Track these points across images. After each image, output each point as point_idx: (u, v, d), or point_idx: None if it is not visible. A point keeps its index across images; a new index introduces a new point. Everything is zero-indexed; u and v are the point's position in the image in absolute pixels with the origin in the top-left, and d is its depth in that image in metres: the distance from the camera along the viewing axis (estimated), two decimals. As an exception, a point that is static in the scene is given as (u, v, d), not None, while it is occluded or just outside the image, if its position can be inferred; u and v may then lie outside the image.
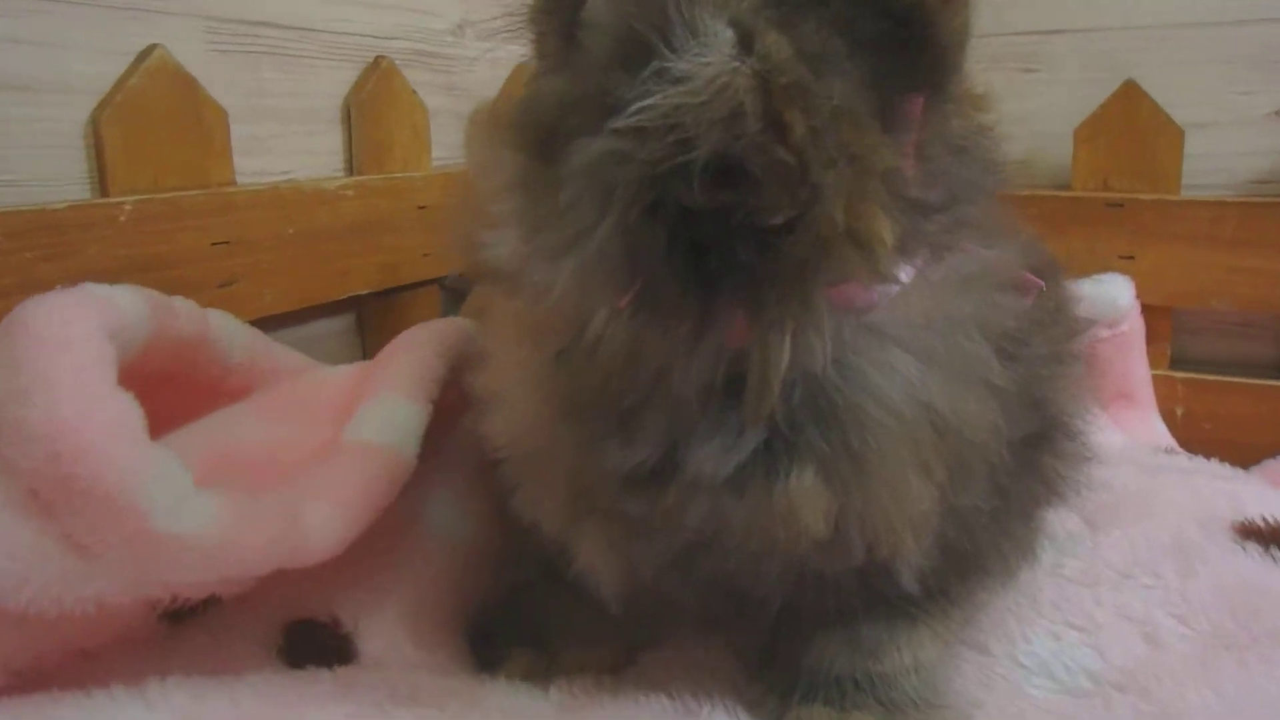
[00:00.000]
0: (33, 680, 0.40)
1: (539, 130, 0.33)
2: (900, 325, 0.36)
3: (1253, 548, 0.51)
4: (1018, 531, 0.45)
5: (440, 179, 0.92)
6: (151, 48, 0.66)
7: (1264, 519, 0.54)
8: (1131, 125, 0.85)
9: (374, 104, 0.85)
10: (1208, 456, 0.77)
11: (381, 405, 0.50)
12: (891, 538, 0.36)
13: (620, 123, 0.29)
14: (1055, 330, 0.45)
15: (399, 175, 0.87)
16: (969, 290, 0.38)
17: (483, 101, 1.02)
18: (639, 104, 0.29)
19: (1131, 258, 0.86)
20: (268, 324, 0.76)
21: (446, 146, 0.97)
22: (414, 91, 0.90)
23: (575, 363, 0.35)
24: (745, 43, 0.30)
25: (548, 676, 0.47)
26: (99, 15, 0.63)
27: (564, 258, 0.31)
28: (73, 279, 0.59)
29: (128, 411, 0.37)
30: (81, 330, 0.38)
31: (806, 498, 0.34)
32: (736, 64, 0.29)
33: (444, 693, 0.43)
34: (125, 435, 0.36)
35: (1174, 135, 0.84)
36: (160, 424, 0.49)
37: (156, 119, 0.66)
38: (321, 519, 0.41)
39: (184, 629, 0.45)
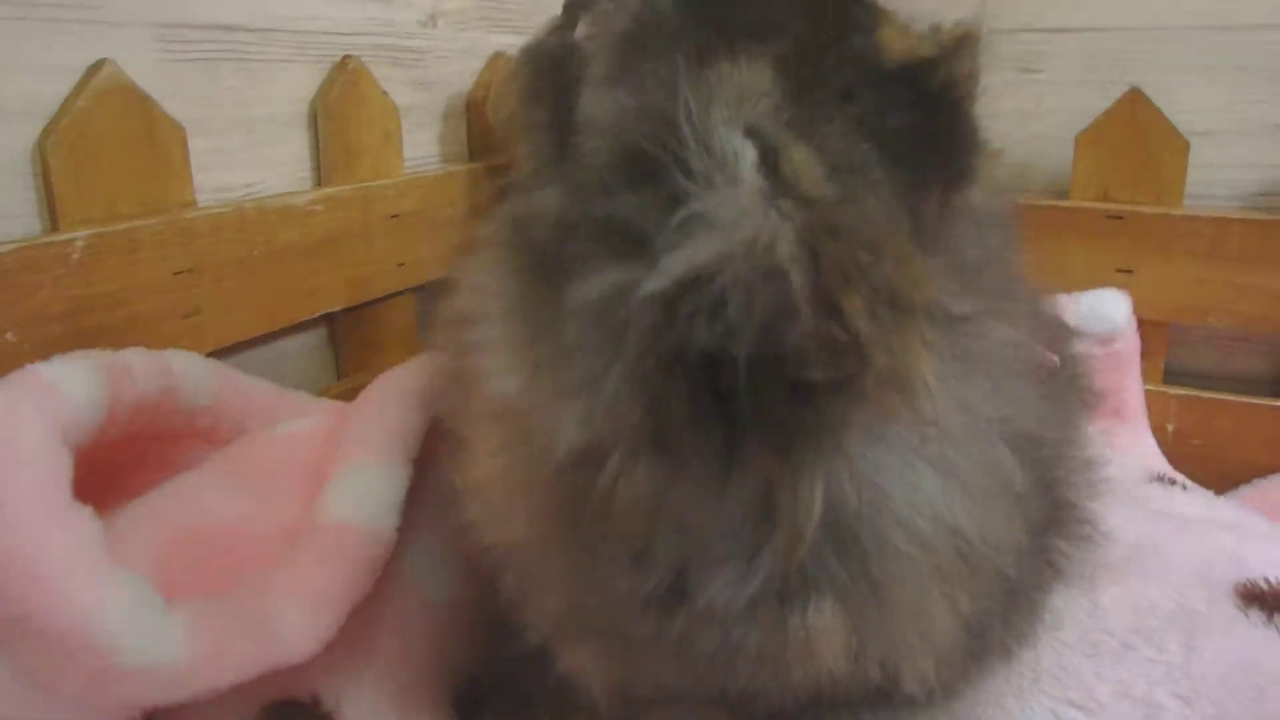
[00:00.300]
0: None
1: (535, 253, 0.30)
2: (921, 436, 0.34)
3: (1256, 616, 0.51)
4: (1021, 620, 0.44)
5: (413, 184, 0.88)
6: (100, 63, 0.62)
7: (1266, 581, 0.53)
8: (1135, 135, 0.83)
9: (342, 108, 0.81)
10: (1196, 475, 0.77)
11: (355, 474, 0.48)
12: (914, 670, 0.34)
13: (648, 288, 0.26)
14: (1068, 408, 0.44)
15: (370, 184, 0.83)
16: (990, 384, 0.36)
17: (454, 96, 0.98)
18: (662, 260, 0.26)
19: (1130, 271, 0.84)
20: (235, 348, 0.73)
21: (419, 146, 0.93)
22: (384, 93, 0.86)
23: (588, 505, 0.32)
24: (769, 161, 0.28)
25: None
26: (37, 29, 0.59)
27: (571, 400, 0.29)
28: (21, 326, 0.57)
29: (85, 535, 0.35)
30: (30, 441, 0.36)
31: (825, 632, 0.32)
32: (769, 209, 0.27)
33: None
34: (82, 565, 0.34)
35: (1178, 147, 0.82)
36: (126, 474, 0.47)
37: (108, 142, 0.62)
38: (298, 622, 0.40)
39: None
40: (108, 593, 0.34)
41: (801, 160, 0.27)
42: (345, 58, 0.81)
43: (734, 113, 0.29)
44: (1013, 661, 0.48)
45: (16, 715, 0.34)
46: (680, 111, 0.28)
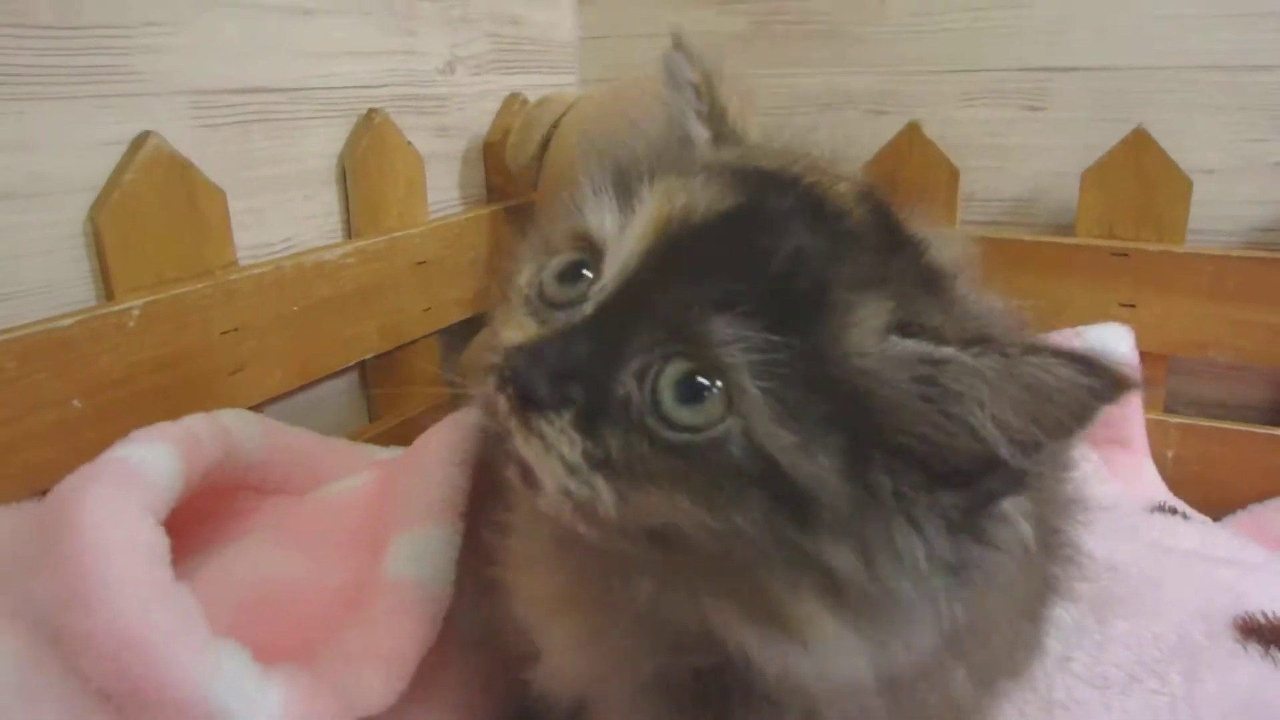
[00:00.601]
0: None
1: None
2: None
3: (1254, 649, 0.56)
4: (1026, 633, 0.49)
5: (436, 231, 0.93)
6: (145, 135, 0.66)
7: (1264, 615, 0.58)
8: (1139, 173, 0.87)
9: (368, 161, 0.85)
10: (1195, 499, 0.82)
11: (414, 539, 0.52)
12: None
13: None
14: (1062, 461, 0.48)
15: (397, 235, 0.88)
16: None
17: (474, 139, 1.02)
18: None
19: (1133, 306, 0.89)
20: (276, 399, 0.78)
21: (441, 190, 0.97)
22: (408, 143, 0.90)
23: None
24: None
25: None
26: (80, 108, 0.63)
27: None
28: (85, 393, 0.61)
29: (188, 610, 0.39)
30: (131, 529, 0.40)
31: None
32: None
33: None
34: (189, 639, 0.38)
35: (1182, 186, 0.86)
36: (188, 528, 0.51)
37: (154, 211, 0.67)
38: (376, 686, 0.44)
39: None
40: (214, 664, 0.38)
41: None
42: (371, 111, 0.86)
43: None
44: (1023, 687, 0.52)
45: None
46: None
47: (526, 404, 0.34)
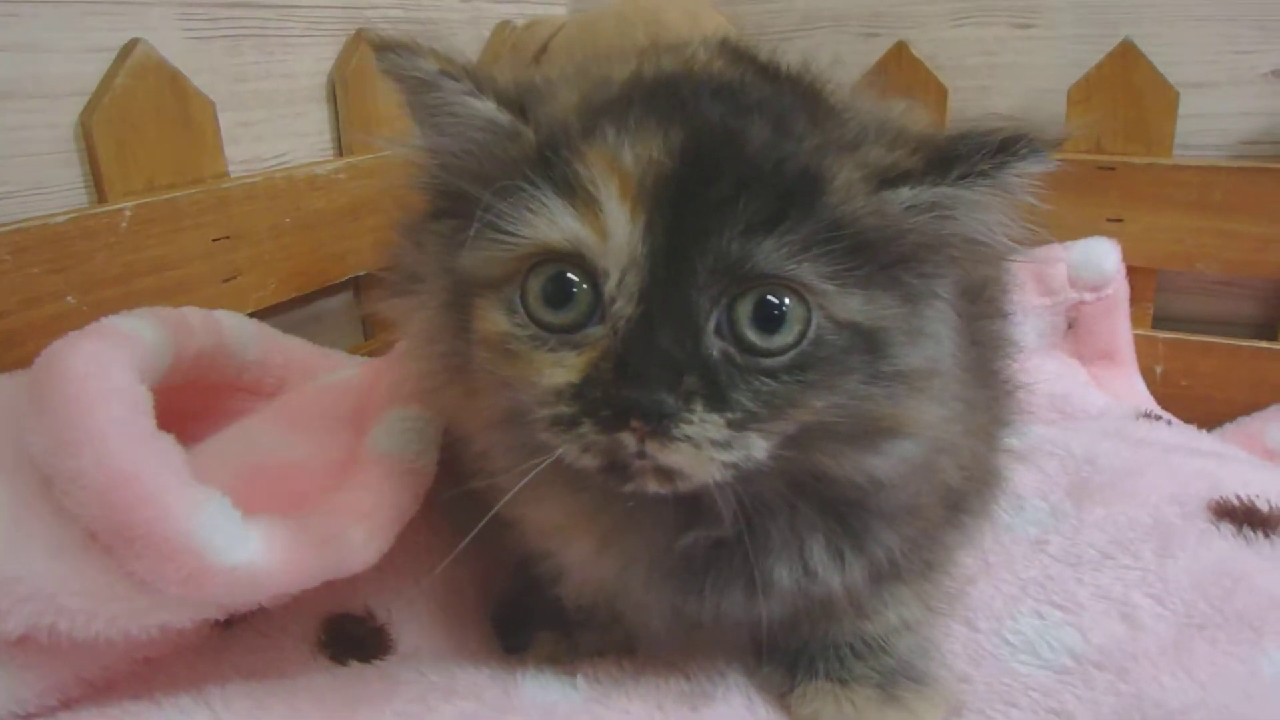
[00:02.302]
0: (101, 689, 0.44)
1: None
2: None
3: (1226, 528, 0.56)
4: (984, 457, 0.51)
5: (430, 152, 0.93)
6: (133, 43, 0.67)
7: (1238, 497, 0.58)
8: (1127, 87, 0.87)
9: (358, 79, 0.85)
10: (1183, 414, 0.82)
11: (400, 417, 0.53)
12: None
13: None
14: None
15: (388, 153, 0.88)
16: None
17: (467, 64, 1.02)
18: None
19: (1120, 220, 0.89)
20: (272, 310, 0.78)
21: (433, 116, 0.97)
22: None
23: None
24: None
25: (571, 659, 0.52)
26: (72, 13, 0.63)
27: None
28: (80, 290, 0.62)
29: (172, 455, 0.40)
30: (118, 379, 0.41)
31: None
32: None
33: (480, 685, 0.48)
34: (174, 480, 0.39)
35: (1169, 98, 0.86)
36: (185, 421, 0.52)
37: (145, 118, 0.67)
38: (358, 541, 0.45)
39: (234, 632, 0.50)
40: (197, 503, 0.39)
41: None
42: (359, 30, 0.86)
43: None
44: (988, 522, 0.56)
45: (127, 617, 0.40)
46: None
47: (661, 421, 0.35)
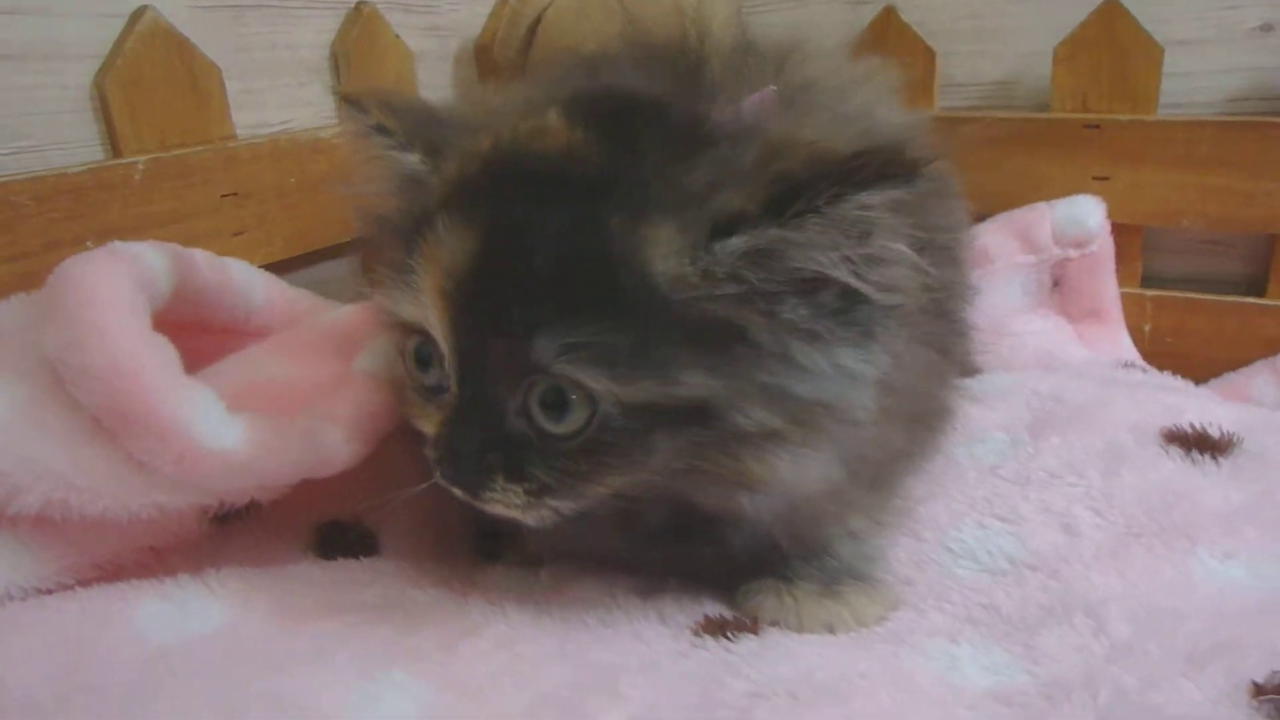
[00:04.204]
0: (112, 572, 0.51)
1: None
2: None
3: (1175, 451, 0.60)
4: (936, 397, 0.56)
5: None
6: (141, 10, 0.74)
7: (1191, 425, 0.62)
8: (1111, 44, 0.91)
9: (359, 52, 0.92)
10: (1171, 371, 0.85)
11: (383, 343, 0.59)
12: None
13: None
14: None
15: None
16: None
17: (466, 41, 1.08)
18: None
19: (1106, 178, 0.92)
20: (278, 269, 0.85)
21: (432, 89, 1.04)
22: (398, 37, 0.97)
23: None
24: None
25: (538, 564, 0.57)
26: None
27: None
28: (96, 237, 0.69)
29: (168, 353, 0.47)
30: (121, 286, 0.48)
31: None
32: None
33: (454, 576, 0.54)
34: (170, 373, 0.46)
35: (1154, 54, 0.90)
36: (192, 364, 0.58)
37: (155, 81, 0.75)
38: (336, 440, 0.51)
39: (231, 530, 0.56)
40: (188, 396, 0.46)
41: None
42: (360, 4, 0.93)
43: None
44: (936, 453, 0.61)
45: (128, 496, 0.46)
46: None
47: (469, 490, 0.43)
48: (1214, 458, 0.59)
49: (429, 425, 0.45)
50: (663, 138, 0.43)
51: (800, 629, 0.50)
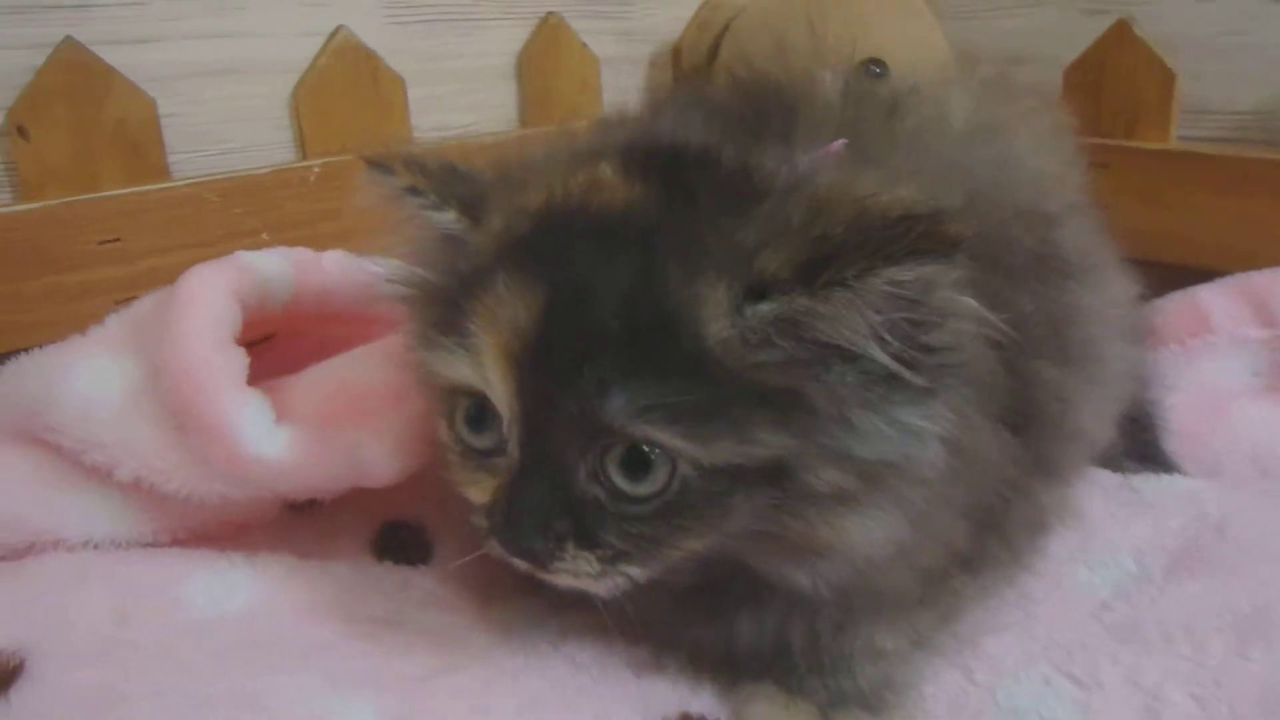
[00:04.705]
0: (200, 538, 0.59)
1: None
2: None
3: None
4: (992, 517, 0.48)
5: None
6: (338, 29, 0.83)
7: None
8: None
9: (541, 59, 0.97)
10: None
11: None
12: None
13: None
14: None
15: (564, 125, 0.98)
16: None
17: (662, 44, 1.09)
18: None
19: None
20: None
21: (621, 91, 1.06)
22: (584, 45, 1.00)
23: None
24: None
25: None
26: (288, 4, 0.81)
27: None
28: (272, 229, 0.79)
29: (233, 362, 0.54)
30: (215, 296, 0.55)
31: None
32: None
33: (477, 600, 0.56)
34: (229, 381, 0.53)
35: None
36: (320, 351, 0.65)
37: (342, 91, 0.84)
38: (378, 455, 0.56)
39: (302, 518, 0.63)
40: (240, 402, 0.52)
41: None
42: (548, 14, 0.97)
43: None
44: (1006, 581, 0.54)
45: (194, 482, 0.54)
46: None
47: (536, 559, 0.41)
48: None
49: (480, 493, 0.44)
50: (717, 191, 0.42)
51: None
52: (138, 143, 0.73)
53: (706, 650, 0.51)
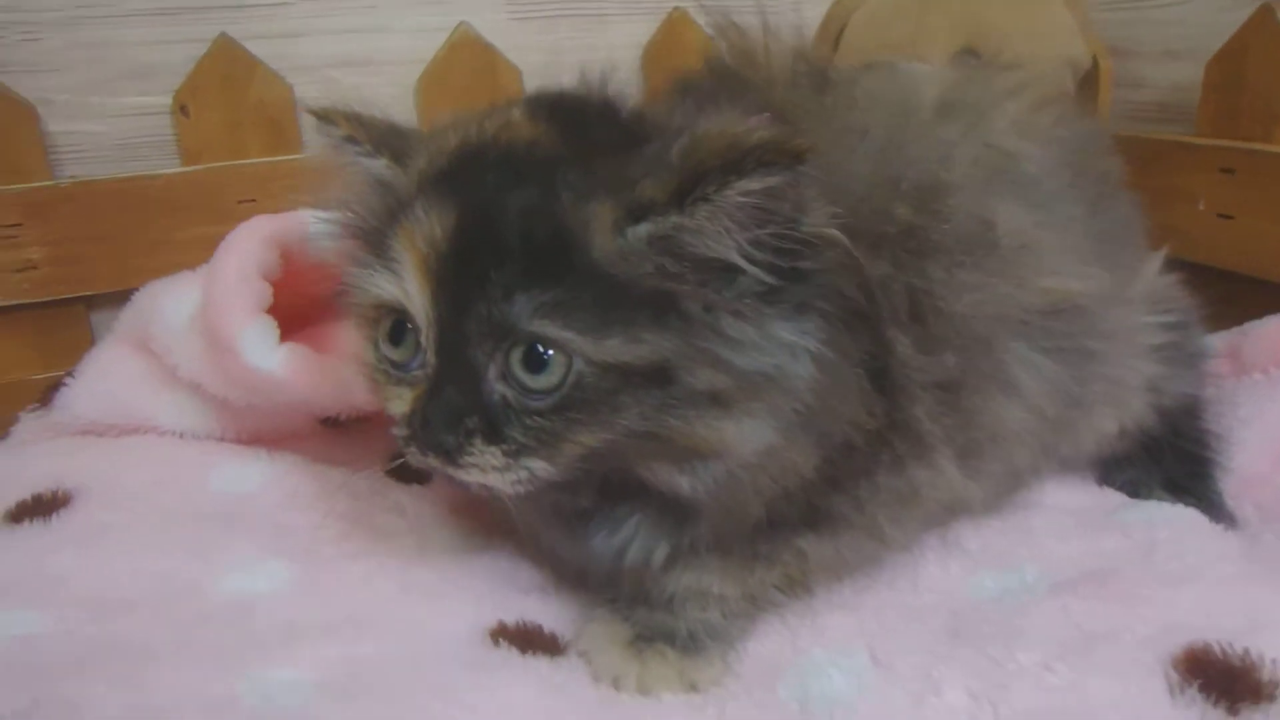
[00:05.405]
0: (255, 439, 0.75)
1: None
2: None
3: (1191, 692, 0.42)
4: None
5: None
6: (459, 25, 0.97)
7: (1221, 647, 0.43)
8: None
9: (664, 51, 1.05)
10: None
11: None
12: None
13: None
14: None
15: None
16: None
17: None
18: None
19: None
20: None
21: (746, 85, 1.11)
22: (712, 38, 1.06)
23: None
24: None
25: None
26: (416, 2, 0.97)
27: None
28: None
29: (251, 294, 0.69)
30: (248, 242, 0.70)
31: None
32: None
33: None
34: (242, 308, 0.68)
35: None
36: None
37: (460, 82, 0.98)
38: (360, 386, 0.68)
39: (337, 432, 0.78)
40: (250, 325, 0.67)
41: None
42: (674, 9, 1.05)
43: None
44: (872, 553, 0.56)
45: (225, 389, 0.70)
46: None
47: (450, 454, 0.47)
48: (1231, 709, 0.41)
49: (400, 404, 0.49)
50: (612, 134, 0.49)
51: (591, 668, 0.53)
52: (276, 121, 0.93)
53: (568, 567, 0.58)
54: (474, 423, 0.46)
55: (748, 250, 0.43)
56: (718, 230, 0.43)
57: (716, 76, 0.62)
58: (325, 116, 0.55)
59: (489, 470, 0.46)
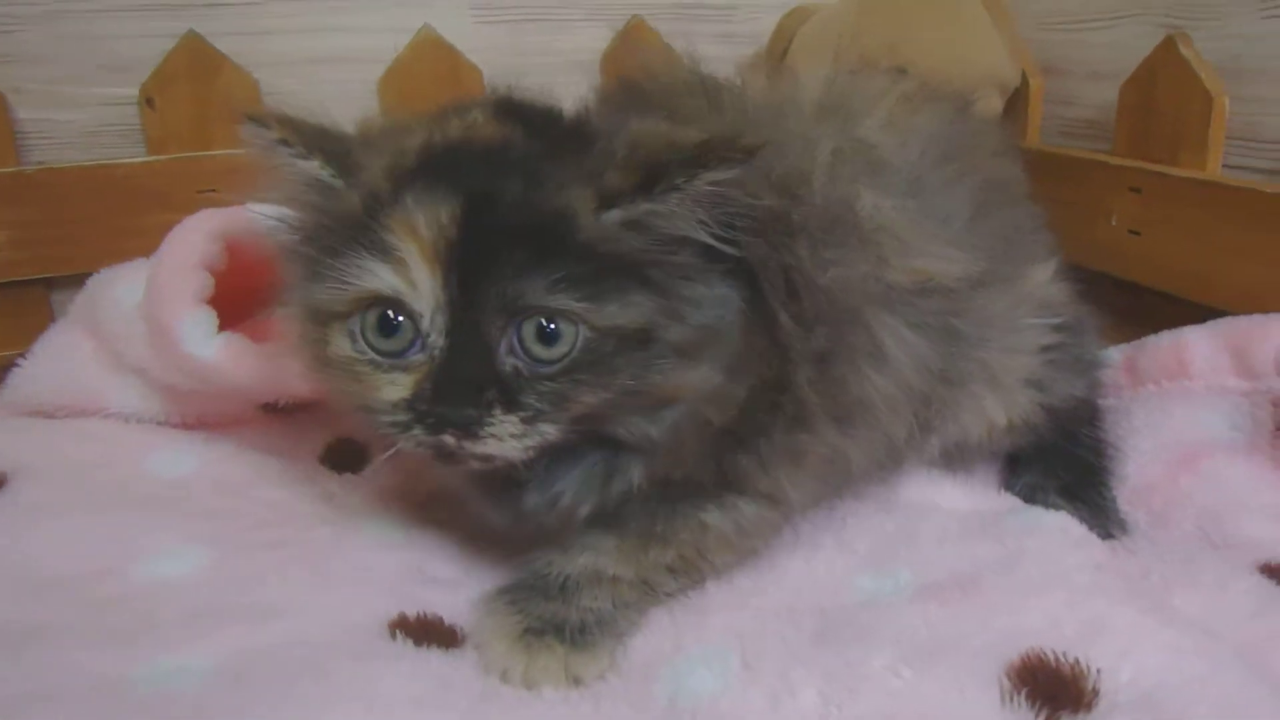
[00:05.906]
0: (199, 424, 0.77)
1: None
2: None
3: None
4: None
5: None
6: (422, 28, 0.98)
7: (1060, 658, 0.44)
8: None
9: (622, 59, 1.06)
10: None
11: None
12: None
13: None
14: None
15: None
16: None
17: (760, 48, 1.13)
18: None
19: None
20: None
21: (710, 93, 1.12)
22: (667, 45, 1.07)
23: None
24: None
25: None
26: (383, 3, 0.98)
27: None
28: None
29: (191, 283, 0.71)
30: (193, 234, 0.73)
31: None
32: None
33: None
34: (181, 296, 0.70)
35: None
36: None
37: (422, 80, 1.00)
38: (297, 371, 0.69)
39: (277, 417, 0.79)
40: (189, 314, 0.69)
41: None
42: (633, 17, 1.05)
43: None
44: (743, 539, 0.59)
45: (170, 375, 0.72)
46: None
47: (470, 427, 0.48)
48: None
49: (397, 390, 0.50)
50: (563, 135, 0.54)
51: (481, 660, 0.54)
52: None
53: (495, 534, 0.61)
54: (492, 394, 0.49)
55: (710, 227, 0.50)
56: (685, 213, 0.49)
57: (625, 88, 0.66)
58: (258, 120, 0.56)
59: (506, 438, 0.49)
